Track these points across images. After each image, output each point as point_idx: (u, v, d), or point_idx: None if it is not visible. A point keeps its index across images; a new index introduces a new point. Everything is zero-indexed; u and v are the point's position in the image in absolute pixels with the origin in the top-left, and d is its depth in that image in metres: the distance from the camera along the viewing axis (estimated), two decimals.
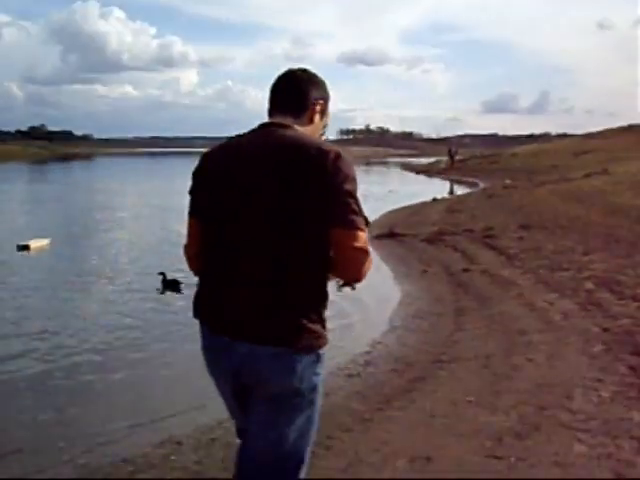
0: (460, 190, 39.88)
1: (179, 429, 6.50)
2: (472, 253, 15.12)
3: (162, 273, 13.83)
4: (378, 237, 20.27)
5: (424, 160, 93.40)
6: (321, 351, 2.98)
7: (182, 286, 13.43)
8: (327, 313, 3.03)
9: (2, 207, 32.12)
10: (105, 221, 26.71)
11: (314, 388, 2.99)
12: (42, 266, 16.88)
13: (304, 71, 3.23)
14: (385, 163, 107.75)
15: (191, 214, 3.17)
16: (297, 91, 3.14)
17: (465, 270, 13.36)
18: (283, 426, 2.96)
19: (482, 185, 40.09)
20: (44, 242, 19.57)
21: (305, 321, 2.89)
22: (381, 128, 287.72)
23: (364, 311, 11.85)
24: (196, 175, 3.17)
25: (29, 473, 5.74)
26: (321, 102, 3.21)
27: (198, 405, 7.40)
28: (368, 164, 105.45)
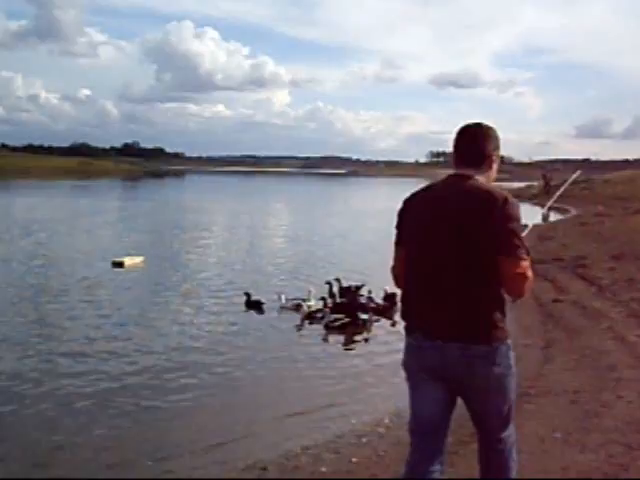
0: (551, 216, 39.17)
1: (264, 454, 6.59)
2: (562, 283, 14.88)
3: (247, 293, 14.34)
4: None
5: (515, 184, 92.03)
6: (509, 341, 3.83)
7: (264, 306, 14.09)
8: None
9: (98, 223, 32.94)
10: (197, 240, 27.32)
11: (510, 368, 3.84)
12: (136, 283, 17.33)
13: (479, 126, 4.01)
14: None
15: (397, 243, 4.10)
16: (476, 148, 3.95)
17: (555, 300, 13.17)
18: (499, 402, 3.91)
19: (574, 212, 39.24)
20: (138, 260, 20.05)
21: (496, 323, 3.75)
22: None
23: None
24: (401, 214, 4.07)
25: None
26: (495, 152, 4.00)
27: (284, 429, 7.50)
28: None
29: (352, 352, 11.56)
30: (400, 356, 11.11)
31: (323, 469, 6.05)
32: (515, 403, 4.04)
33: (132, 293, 15.97)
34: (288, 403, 8.67)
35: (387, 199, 70.41)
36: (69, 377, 9.36)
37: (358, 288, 14.28)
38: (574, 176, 9.28)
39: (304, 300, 13.93)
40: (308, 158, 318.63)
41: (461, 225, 3.72)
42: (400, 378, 9.70)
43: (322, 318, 13.15)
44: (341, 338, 12.33)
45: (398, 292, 13.96)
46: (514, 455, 4.10)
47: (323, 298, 13.99)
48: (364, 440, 6.86)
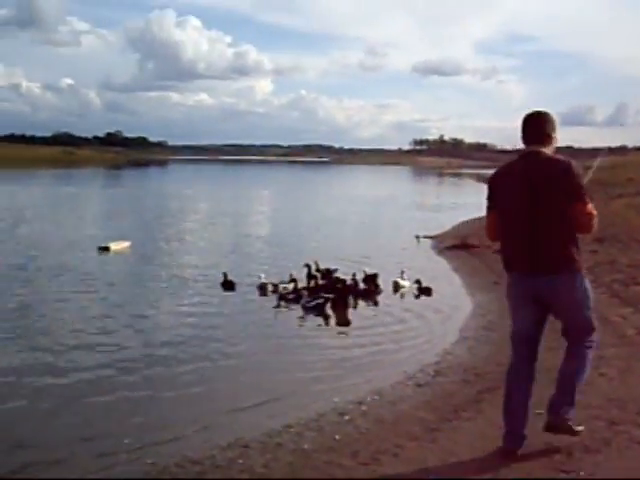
0: None
1: (246, 432, 6.55)
2: None
3: (224, 273, 14.82)
4: (450, 248, 20.15)
5: None
6: (583, 272, 5.29)
7: (236, 286, 14.54)
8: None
9: (83, 210, 32.81)
10: (182, 225, 27.49)
11: (587, 290, 5.32)
12: (122, 268, 17.40)
13: (540, 113, 5.45)
14: (459, 174, 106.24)
15: (490, 208, 5.49)
16: (541, 131, 5.37)
17: None
18: (583, 313, 5.33)
19: None
20: (125, 245, 20.12)
21: (574, 257, 5.19)
22: (455, 139, 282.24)
23: (435, 321, 11.81)
24: (490, 185, 5.53)
25: (95, 472, 5.83)
26: (554, 132, 5.41)
27: (266, 409, 7.47)
28: (441, 175, 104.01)
29: (331, 333, 11.53)
30: (379, 336, 11.15)
31: (305, 446, 6.02)
32: (593, 317, 5.37)
33: (117, 277, 15.92)
34: (269, 384, 8.63)
35: (368, 186, 70.59)
36: (49, 368, 9.19)
37: (330, 272, 14.34)
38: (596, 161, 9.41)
39: (288, 282, 13.98)
40: (291, 147, 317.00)
41: (544, 186, 5.11)
42: (381, 357, 9.76)
43: (299, 299, 13.17)
44: (319, 319, 12.30)
45: (378, 273, 13.88)
46: (590, 359, 5.47)
47: (293, 280, 14.14)
48: (346, 418, 6.83)
